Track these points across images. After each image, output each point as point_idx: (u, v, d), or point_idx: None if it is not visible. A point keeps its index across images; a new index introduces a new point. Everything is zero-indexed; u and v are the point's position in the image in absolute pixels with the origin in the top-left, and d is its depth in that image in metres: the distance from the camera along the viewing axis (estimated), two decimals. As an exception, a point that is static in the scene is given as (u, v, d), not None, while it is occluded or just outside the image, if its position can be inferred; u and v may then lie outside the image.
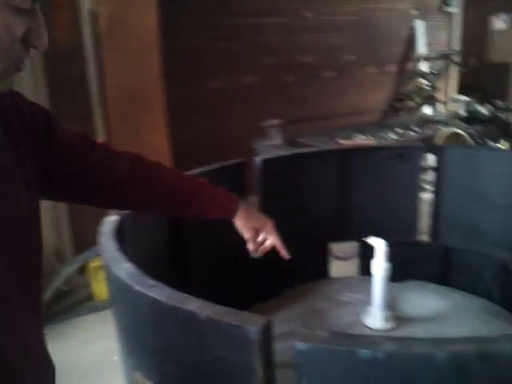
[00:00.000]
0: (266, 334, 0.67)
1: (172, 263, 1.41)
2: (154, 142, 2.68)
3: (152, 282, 0.78)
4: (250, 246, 1.12)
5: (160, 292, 0.75)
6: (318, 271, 1.74)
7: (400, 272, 1.71)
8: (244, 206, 1.10)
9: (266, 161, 1.66)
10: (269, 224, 1.13)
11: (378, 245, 1.20)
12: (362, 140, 3.08)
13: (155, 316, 0.79)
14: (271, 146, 3.33)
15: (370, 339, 0.62)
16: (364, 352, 0.59)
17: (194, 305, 0.71)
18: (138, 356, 0.90)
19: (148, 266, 0.87)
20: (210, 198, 1.04)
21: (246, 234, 1.11)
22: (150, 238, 1.30)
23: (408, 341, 0.61)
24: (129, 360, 0.93)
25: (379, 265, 1.20)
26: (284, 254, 1.13)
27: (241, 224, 1.10)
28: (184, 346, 0.77)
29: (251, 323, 0.66)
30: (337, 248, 2.08)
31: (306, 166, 1.69)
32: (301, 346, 0.62)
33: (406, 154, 1.62)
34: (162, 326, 0.79)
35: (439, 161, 1.58)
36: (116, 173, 0.90)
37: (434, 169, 1.63)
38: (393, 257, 1.73)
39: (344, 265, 2.19)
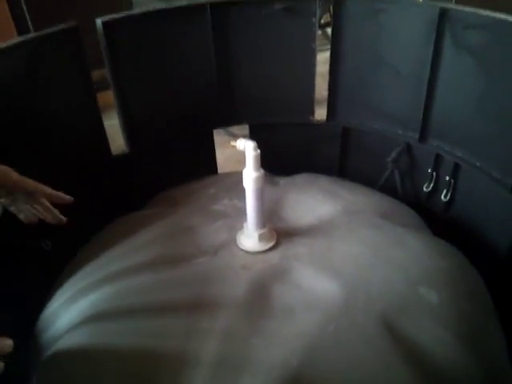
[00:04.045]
0: None
1: None
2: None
3: None
4: None
5: None
6: (198, 168, 1.42)
7: (292, 160, 1.45)
8: None
9: (107, 24, 1.19)
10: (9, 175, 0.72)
11: (247, 149, 0.87)
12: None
13: None
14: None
15: None
16: None
17: None
18: None
19: None
20: None
21: None
22: None
23: None
24: None
25: (249, 175, 0.88)
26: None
27: None
28: None
29: None
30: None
31: (168, 29, 1.25)
32: None
33: (295, 8, 1.21)
34: None
35: (336, 17, 1.20)
36: None
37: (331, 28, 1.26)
38: (285, 141, 1.47)
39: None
